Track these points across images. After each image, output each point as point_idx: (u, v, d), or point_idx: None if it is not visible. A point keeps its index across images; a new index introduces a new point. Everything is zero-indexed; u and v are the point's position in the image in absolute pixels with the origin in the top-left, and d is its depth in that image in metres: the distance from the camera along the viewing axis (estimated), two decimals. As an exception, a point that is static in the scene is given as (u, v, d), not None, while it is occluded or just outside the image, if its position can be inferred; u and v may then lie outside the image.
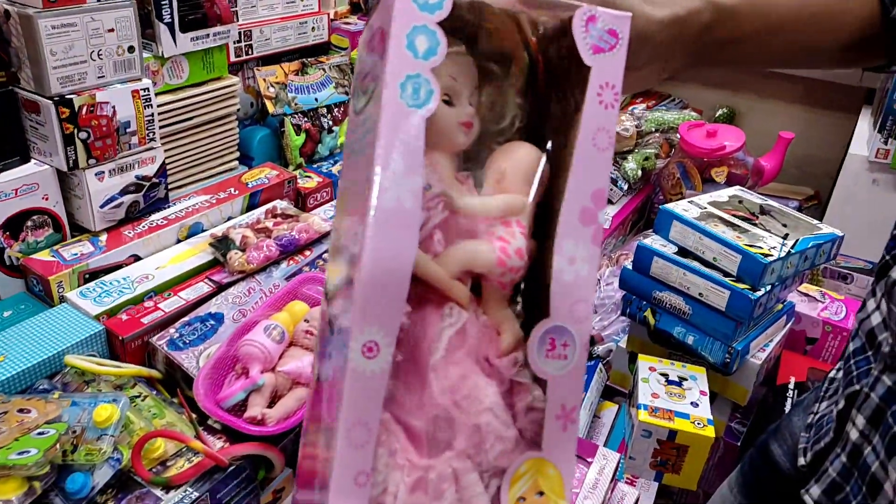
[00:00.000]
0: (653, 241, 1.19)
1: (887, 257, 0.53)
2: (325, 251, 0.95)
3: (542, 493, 0.34)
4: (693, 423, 0.97)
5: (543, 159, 0.40)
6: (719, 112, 1.99)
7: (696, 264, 1.11)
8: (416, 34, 0.33)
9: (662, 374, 1.10)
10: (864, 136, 1.49)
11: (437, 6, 0.33)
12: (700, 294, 1.10)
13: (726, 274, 1.08)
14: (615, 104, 0.36)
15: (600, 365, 1.24)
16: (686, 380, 1.09)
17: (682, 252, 1.15)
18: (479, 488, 0.34)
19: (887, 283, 0.50)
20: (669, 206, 1.19)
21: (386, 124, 0.32)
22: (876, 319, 0.53)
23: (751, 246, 1.06)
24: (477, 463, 0.35)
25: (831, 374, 0.63)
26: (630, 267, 1.20)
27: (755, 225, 1.15)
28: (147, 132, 0.88)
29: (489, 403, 0.35)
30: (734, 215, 1.18)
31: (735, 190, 1.29)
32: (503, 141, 0.42)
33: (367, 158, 0.33)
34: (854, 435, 0.52)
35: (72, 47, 0.78)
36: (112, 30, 0.81)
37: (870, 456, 0.51)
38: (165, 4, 0.89)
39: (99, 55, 0.81)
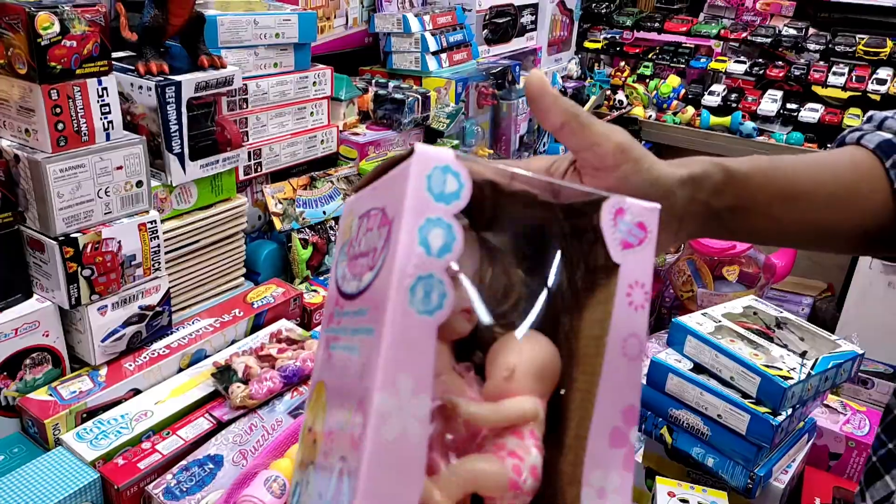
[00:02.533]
0: (667, 355, 1.16)
1: (875, 459, 0.50)
2: (331, 380, 0.93)
3: None
4: (717, 565, 0.91)
5: (557, 357, 0.37)
6: (727, 204, 1.99)
7: (713, 383, 1.08)
8: (430, 228, 0.29)
9: (682, 501, 1.05)
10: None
11: (455, 196, 0.29)
12: (719, 415, 1.06)
13: (745, 395, 1.05)
14: (645, 304, 0.33)
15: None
16: (707, 507, 1.04)
17: (698, 368, 1.12)
18: None
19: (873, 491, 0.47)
20: (683, 319, 1.17)
21: (391, 336, 0.28)
22: None
23: (769, 366, 1.03)
24: None
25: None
26: (643, 382, 1.16)
27: (771, 340, 1.12)
28: (152, 263, 0.87)
29: None
30: (749, 329, 1.15)
31: (749, 300, 1.26)
32: (505, 324, 0.39)
33: (361, 365, 0.30)
34: None
35: (79, 187, 0.78)
36: (120, 167, 0.81)
37: None
38: (175, 136, 0.90)
39: (106, 192, 0.81)
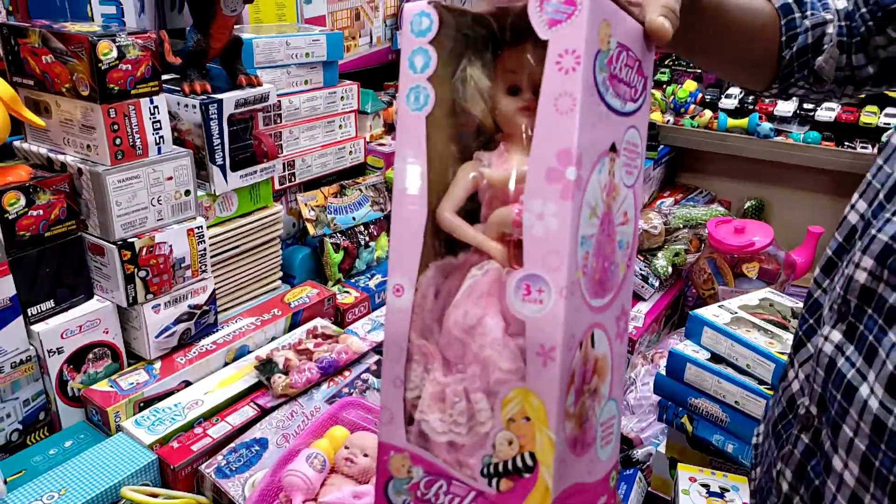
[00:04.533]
0: (685, 346, 1.20)
1: (800, 333, 0.63)
2: (364, 371, 0.99)
3: (528, 419, 0.40)
4: (736, 541, 0.95)
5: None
6: (748, 204, 2.02)
7: (730, 371, 1.12)
8: (415, 55, 0.42)
9: (703, 486, 1.08)
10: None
11: (428, 30, 0.42)
12: (736, 402, 1.10)
13: (761, 381, 1.08)
14: (576, 67, 0.38)
15: (639, 474, 1.23)
16: (728, 490, 1.07)
17: (715, 358, 1.16)
18: (484, 404, 0.41)
19: (799, 356, 0.62)
20: (700, 311, 1.21)
21: (400, 127, 0.42)
22: (795, 387, 0.63)
23: (784, 353, 1.07)
24: (484, 384, 0.41)
25: (753, 441, 0.75)
26: (664, 373, 1.20)
27: (787, 329, 1.16)
28: (200, 265, 0.95)
29: (491, 338, 0.41)
30: (766, 320, 1.19)
31: (766, 292, 1.30)
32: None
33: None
34: (785, 487, 0.62)
35: (135, 196, 0.86)
36: (171, 177, 0.89)
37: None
38: (218, 149, 0.98)
39: (158, 201, 0.89)
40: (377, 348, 1.05)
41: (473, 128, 0.47)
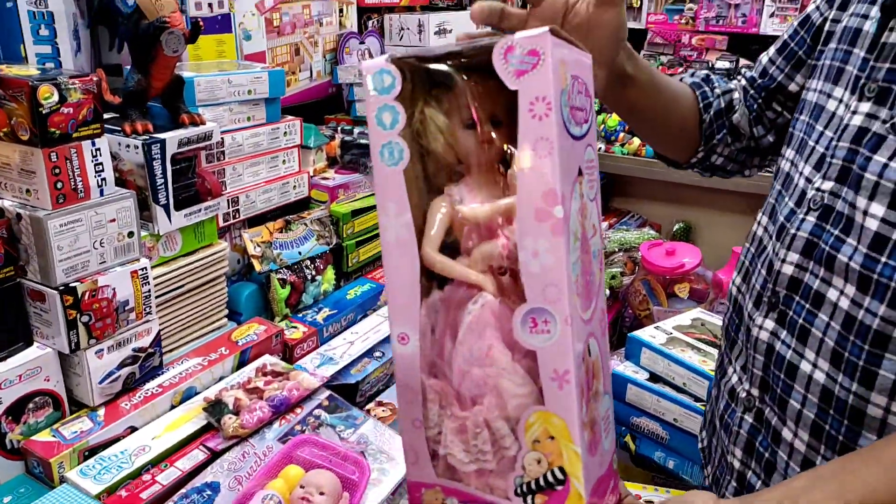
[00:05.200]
0: (625, 367, 1.25)
1: (732, 333, 0.76)
2: (316, 407, 0.99)
3: (552, 438, 0.43)
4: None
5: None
6: (676, 226, 2.12)
7: (667, 390, 1.17)
8: (382, 112, 0.44)
9: (648, 502, 1.13)
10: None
11: (391, 87, 0.44)
12: (675, 419, 1.16)
13: (697, 399, 1.14)
14: (549, 112, 0.41)
15: (587, 493, 1.26)
16: (671, 505, 1.12)
17: (654, 377, 1.21)
18: (507, 430, 0.44)
19: (734, 352, 0.75)
20: (638, 333, 1.27)
21: (378, 183, 0.45)
22: (734, 379, 0.74)
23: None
24: (503, 412, 0.44)
25: (700, 446, 0.87)
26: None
27: (718, 347, 1.22)
28: (144, 307, 0.93)
29: (501, 367, 0.44)
30: (698, 339, 1.26)
31: (697, 312, 1.37)
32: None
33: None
34: (737, 465, 0.72)
35: (77, 240, 0.84)
36: (114, 220, 0.88)
37: (752, 478, 0.69)
38: (161, 188, 0.97)
39: (101, 244, 0.87)
40: (328, 384, 1.05)
41: (442, 166, 0.50)
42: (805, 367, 0.64)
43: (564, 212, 0.42)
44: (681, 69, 2.34)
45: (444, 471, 0.46)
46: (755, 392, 0.70)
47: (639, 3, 2.43)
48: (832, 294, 0.62)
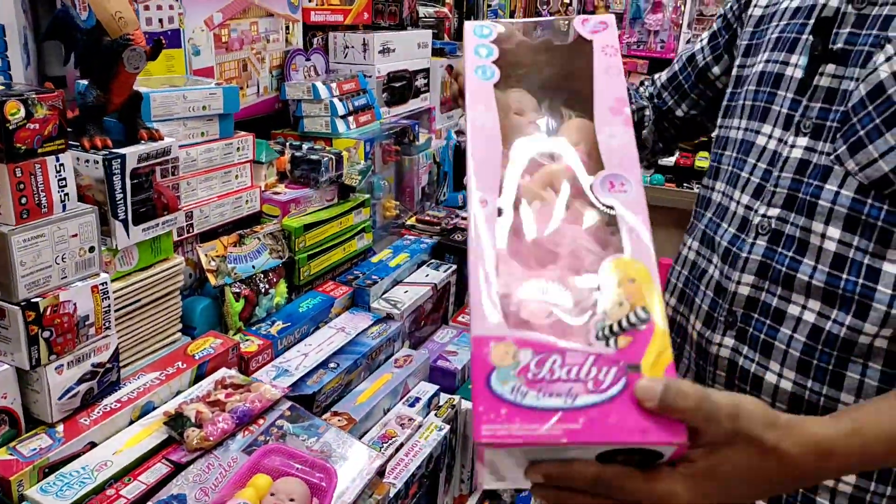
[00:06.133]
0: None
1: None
2: (279, 417, 1.01)
3: (633, 280, 0.47)
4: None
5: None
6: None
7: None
8: (479, 48, 0.63)
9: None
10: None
11: (489, 34, 0.64)
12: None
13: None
14: (616, 54, 0.62)
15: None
16: None
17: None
18: (585, 282, 0.49)
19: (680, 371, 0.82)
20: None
21: (470, 90, 0.60)
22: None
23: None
24: (581, 267, 0.50)
25: None
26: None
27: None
28: (104, 322, 0.93)
29: (577, 234, 0.52)
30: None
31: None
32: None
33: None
34: None
35: (39, 255, 0.84)
36: (76, 235, 0.88)
37: None
38: (121, 203, 0.97)
39: (63, 259, 0.87)
40: (289, 395, 1.07)
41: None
42: (770, 377, 0.69)
43: (629, 113, 0.57)
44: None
45: (517, 325, 0.46)
46: None
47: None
48: (793, 309, 0.67)
